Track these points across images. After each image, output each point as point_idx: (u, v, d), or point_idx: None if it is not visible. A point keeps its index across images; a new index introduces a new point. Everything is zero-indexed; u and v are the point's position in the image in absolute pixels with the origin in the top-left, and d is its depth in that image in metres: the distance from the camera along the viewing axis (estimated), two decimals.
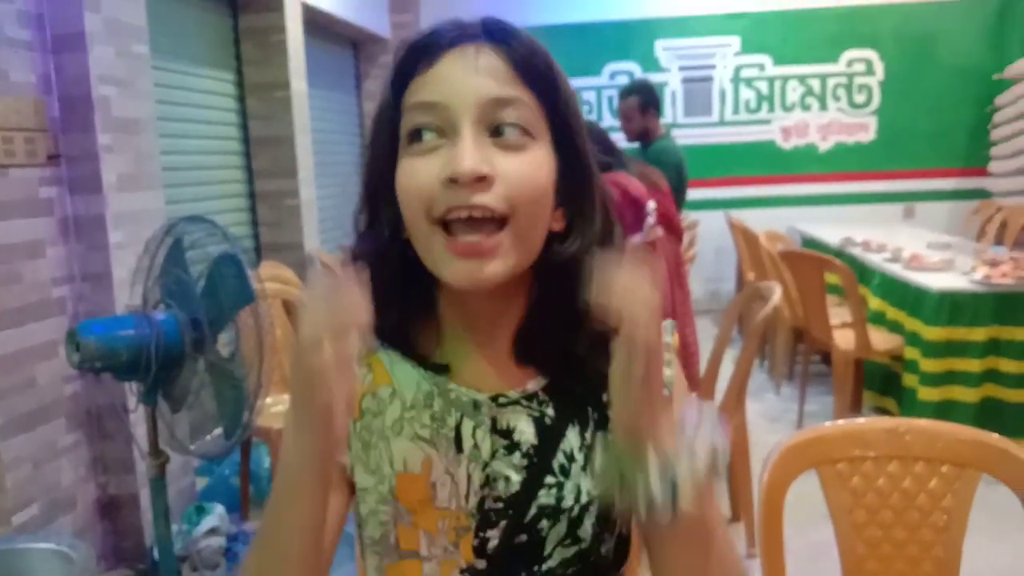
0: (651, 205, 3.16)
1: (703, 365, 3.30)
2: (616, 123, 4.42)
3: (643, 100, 4.11)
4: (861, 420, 1.44)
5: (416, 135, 0.72)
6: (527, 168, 0.72)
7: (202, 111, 4.01)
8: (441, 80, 0.72)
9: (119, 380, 2.06)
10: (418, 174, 0.71)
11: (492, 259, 0.71)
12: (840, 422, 1.42)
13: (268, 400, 2.97)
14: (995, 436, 1.34)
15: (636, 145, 4.23)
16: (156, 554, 2.24)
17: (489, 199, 0.69)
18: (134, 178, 2.76)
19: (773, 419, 4.15)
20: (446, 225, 0.71)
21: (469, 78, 0.71)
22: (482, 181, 0.69)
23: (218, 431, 2.06)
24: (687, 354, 3.22)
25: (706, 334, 4.03)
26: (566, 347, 0.80)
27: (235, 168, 4.40)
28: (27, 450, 2.40)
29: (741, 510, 3.01)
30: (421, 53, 0.74)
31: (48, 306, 2.50)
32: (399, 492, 0.79)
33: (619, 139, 3.80)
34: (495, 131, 0.71)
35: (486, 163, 0.69)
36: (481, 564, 0.79)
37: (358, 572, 0.87)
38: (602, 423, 0.82)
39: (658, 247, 3.21)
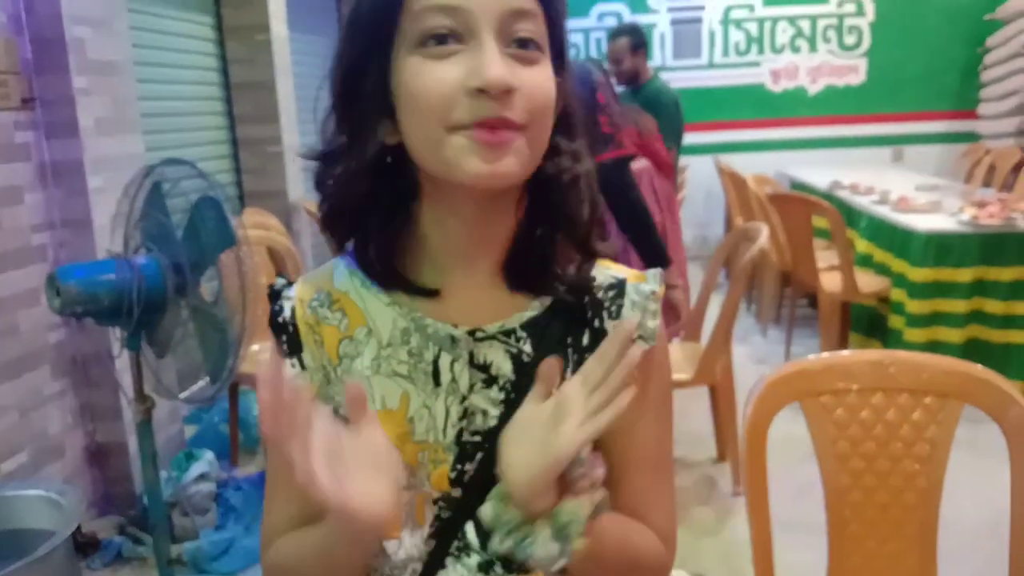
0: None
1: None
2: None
3: (633, 41, 4.09)
4: (846, 353, 1.44)
5: (426, 39, 0.69)
6: (541, 81, 0.71)
7: (180, 55, 3.93)
8: None
9: (101, 325, 2.05)
10: (437, 79, 0.69)
11: (510, 154, 0.69)
12: (825, 355, 1.42)
13: (255, 347, 2.97)
14: (979, 367, 1.35)
15: (626, 89, 4.19)
16: (146, 500, 2.25)
17: (513, 113, 0.68)
18: (112, 122, 2.71)
19: (759, 361, 4.19)
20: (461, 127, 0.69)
21: None
22: (508, 94, 0.68)
23: (205, 380, 2.05)
24: (676, 289, 3.22)
25: (694, 279, 4.03)
26: (552, 269, 0.79)
27: (216, 114, 4.33)
28: (12, 398, 2.40)
29: (727, 451, 3.05)
30: None
31: (28, 253, 2.47)
32: None
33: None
34: (512, 42, 0.70)
35: (512, 76, 0.68)
36: (456, 493, 0.79)
37: None
38: (580, 365, 0.80)
39: (643, 178, 3.18)
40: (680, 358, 2.97)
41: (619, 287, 0.83)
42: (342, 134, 0.77)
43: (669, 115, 4.03)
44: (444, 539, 0.80)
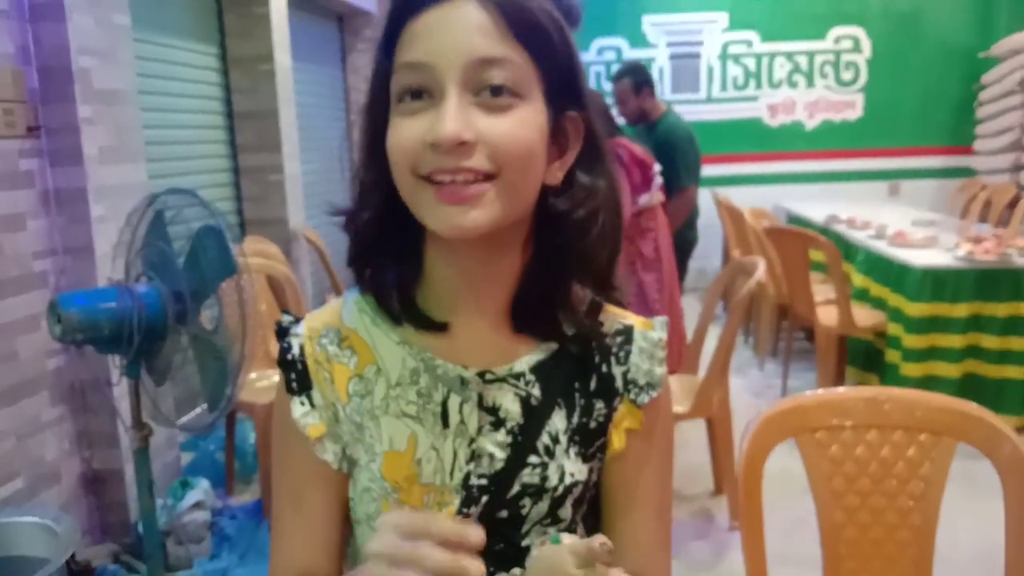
0: (657, 167, 3.19)
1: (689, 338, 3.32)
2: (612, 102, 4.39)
3: (635, 81, 4.10)
4: (840, 389, 1.45)
5: (403, 96, 0.72)
6: (512, 129, 0.70)
7: (185, 84, 3.97)
8: (427, 38, 0.70)
9: (101, 353, 2.05)
10: (404, 135, 0.71)
11: (475, 207, 0.70)
12: (820, 391, 1.43)
13: (253, 375, 2.98)
14: (972, 404, 1.36)
15: (640, 126, 4.20)
16: (141, 528, 2.24)
17: (472, 162, 0.69)
18: (116, 151, 2.73)
19: (756, 394, 4.19)
20: (431, 180, 0.71)
21: (455, 37, 0.70)
22: (463, 146, 0.68)
23: (203, 406, 2.05)
24: (674, 317, 3.27)
25: (692, 311, 4.05)
26: (560, 314, 0.80)
27: (218, 142, 4.36)
28: (10, 424, 2.39)
29: (724, 483, 3.05)
30: (407, 8, 0.72)
31: (30, 279, 2.48)
32: (385, 470, 0.78)
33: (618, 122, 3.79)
34: (483, 91, 0.70)
35: (469, 128, 0.68)
36: None
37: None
38: (588, 410, 0.82)
39: (659, 212, 3.24)
40: (677, 390, 2.98)
41: (627, 333, 0.84)
42: (359, 185, 0.80)
43: (684, 150, 4.03)
44: None
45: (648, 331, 0.84)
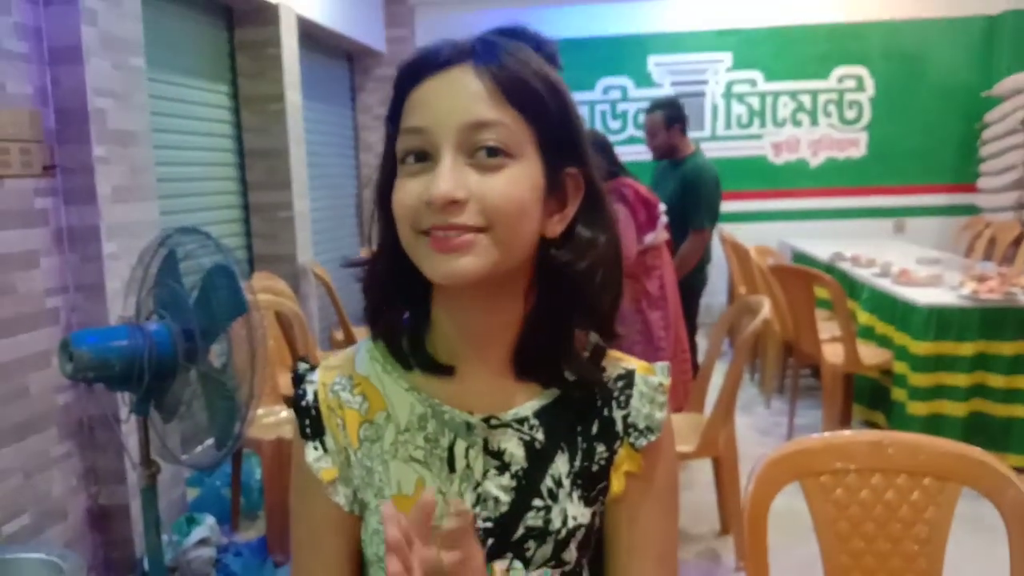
0: (663, 206, 3.23)
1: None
2: (637, 133, 4.38)
3: (667, 116, 4.07)
4: (845, 433, 1.46)
5: (406, 158, 0.77)
6: (503, 188, 0.74)
7: (197, 123, 4.03)
8: (426, 105, 0.76)
9: (112, 390, 2.07)
10: (406, 193, 0.76)
11: (467, 254, 0.73)
12: (824, 435, 1.44)
13: (260, 411, 2.98)
14: (976, 449, 1.37)
15: (665, 161, 4.21)
16: (146, 565, 2.24)
17: (465, 218, 0.73)
18: (129, 189, 2.78)
19: (763, 432, 4.18)
20: (428, 232, 0.75)
21: (450, 103, 0.75)
22: (455, 204, 0.73)
23: (209, 442, 2.07)
24: (680, 355, 3.29)
25: (699, 349, 4.07)
26: (562, 362, 0.82)
27: (229, 180, 4.42)
28: (18, 460, 2.41)
29: (730, 524, 3.03)
30: (410, 77, 0.78)
31: (41, 316, 2.51)
32: None
33: (624, 152, 3.80)
34: (477, 151, 0.74)
35: (461, 187, 0.73)
36: None
37: None
38: (589, 454, 0.84)
39: (664, 250, 3.27)
40: (684, 429, 2.98)
41: (628, 378, 0.86)
42: (377, 239, 0.84)
43: (709, 192, 4.03)
44: None
45: (649, 376, 0.87)
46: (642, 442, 0.85)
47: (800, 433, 4.01)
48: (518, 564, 0.80)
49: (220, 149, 4.32)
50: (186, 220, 3.65)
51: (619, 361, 0.88)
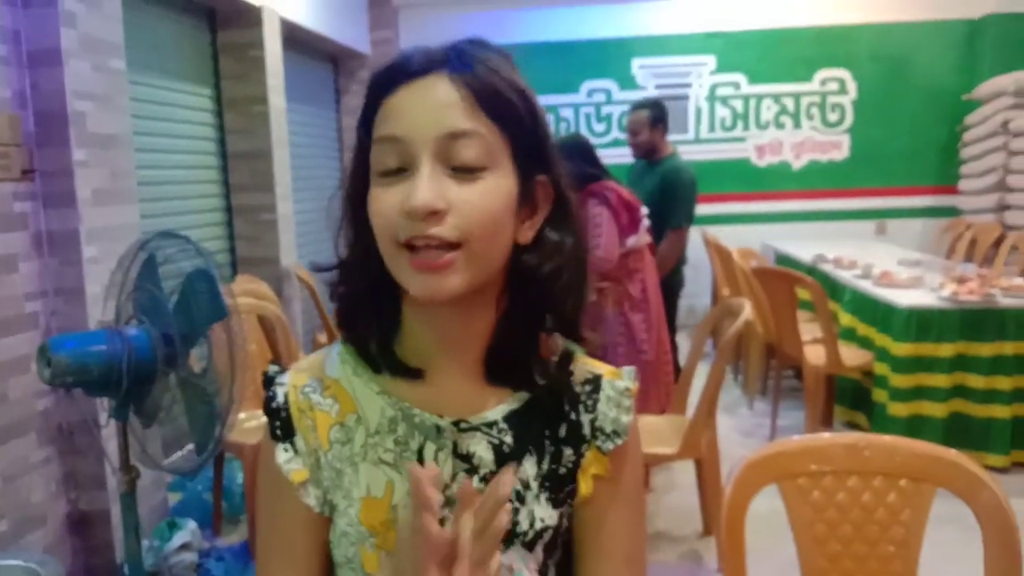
0: (644, 210, 3.24)
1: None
2: (621, 136, 4.43)
3: (653, 115, 4.12)
4: (824, 435, 1.47)
5: (381, 167, 0.77)
6: (479, 198, 0.75)
7: (179, 126, 4.01)
8: (401, 114, 0.76)
9: (91, 396, 2.06)
10: (383, 204, 0.76)
11: (448, 274, 0.74)
12: (800, 437, 1.45)
13: (241, 416, 2.98)
14: (952, 451, 1.38)
15: (644, 162, 4.24)
16: (127, 570, 2.23)
17: (442, 230, 0.73)
18: (109, 193, 2.76)
19: (746, 434, 4.20)
20: (409, 246, 0.75)
21: (427, 113, 0.75)
22: (435, 215, 0.73)
23: (190, 447, 2.06)
24: (662, 357, 3.30)
25: (682, 350, 4.08)
26: (532, 365, 0.83)
27: (212, 182, 4.40)
28: None
29: (713, 525, 3.04)
30: (383, 85, 0.78)
31: (21, 321, 2.49)
32: (363, 516, 0.81)
33: (607, 155, 3.82)
34: (452, 162, 0.75)
35: (440, 198, 0.73)
36: None
37: None
38: (557, 457, 0.85)
39: (646, 253, 3.29)
40: (666, 431, 2.99)
41: (595, 382, 0.88)
42: (346, 247, 0.84)
43: (686, 193, 4.07)
44: None
45: (616, 380, 0.88)
46: (609, 446, 0.86)
47: (783, 434, 4.04)
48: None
49: (203, 152, 4.30)
50: (168, 223, 3.63)
51: (587, 366, 0.89)
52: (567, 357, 0.87)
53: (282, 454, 0.84)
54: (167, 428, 2.10)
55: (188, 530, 2.81)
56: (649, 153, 4.20)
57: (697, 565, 2.93)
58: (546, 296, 0.81)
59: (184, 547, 2.75)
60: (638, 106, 4.22)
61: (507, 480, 0.70)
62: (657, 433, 2.99)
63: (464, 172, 0.75)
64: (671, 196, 3.95)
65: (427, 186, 0.73)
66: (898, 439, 1.43)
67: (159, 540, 2.76)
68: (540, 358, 0.84)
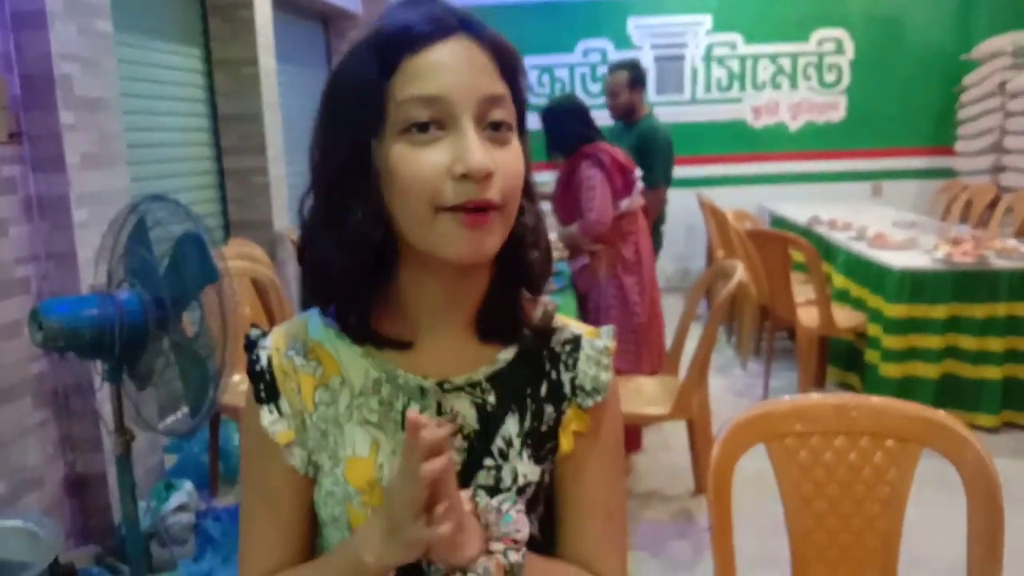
0: (638, 172, 3.24)
1: (669, 339, 3.35)
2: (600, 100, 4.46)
3: (632, 77, 4.16)
4: (812, 396, 1.48)
5: (417, 126, 0.74)
6: (513, 161, 0.77)
7: (168, 88, 3.97)
8: (439, 74, 0.74)
9: (83, 359, 2.06)
10: (423, 165, 0.74)
11: (491, 234, 0.76)
12: (789, 398, 1.46)
13: (236, 378, 2.98)
14: (939, 412, 1.39)
15: (622, 123, 4.25)
16: (124, 531, 2.25)
17: (492, 193, 0.74)
18: (98, 157, 2.74)
19: (739, 394, 4.23)
20: (452, 208, 0.74)
21: (467, 75, 0.75)
22: (488, 176, 0.73)
23: (184, 409, 2.07)
24: (655, 319, 3.32)
25: (676, 311, 4.09)
26: (520, 322, 0.86)
27: (203, 145, 4.36)
28: None
29: (704, 484, 3.07)
30: (403, 44, 0.75)
31: (12, 285, 2.48)
32: (349, 475, 0.82)
33: (603, 116, 3.83)
34: (487, 126, 0.75)
35: (493, 160, 0.74)
36: None
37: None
38: (539, 415, 0.86)
39: (639, 216, 3.28)
40: (658, 392, 3.01)
41: (575, 342, 0.89)
42: (324, 211, 0.81)
43: (663, 152, 4.12)
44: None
45: (595, 339, 0.90)
46: (588, 403, 0.88)
47: (775, 394, 4.08)
48: (482, 492, 0.82)
49: (193, 114, 4.26)
50: (159, 186, 3.60)
51: (568, 326, 0.91)
52: (549, 315, 0.88)
53: (267, 416, 0.84)
54: (161, 391, 2.11)
55: (185, 491, 2.83)
56: (627, 114, 4.24)
57: (688, 523, 2.97)
58: (527, 261, 0.83)
59: (181, 508, 2.77)
60: (616, 67, 4.26)
61: (434, 429, 0.69)
62: (649, 394, 3.02)
63: (497, 136, 0.76)
64: (648, 156, 3.97)
65: (480, 147, 0.73)
66: (886, 400, 1.45)
67: (156, 501, 2.79)
68: (523, 313, 0.86)
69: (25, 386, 2.54)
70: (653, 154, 4.02)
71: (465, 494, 0.81)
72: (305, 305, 0.86)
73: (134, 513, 2.13)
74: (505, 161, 0.76)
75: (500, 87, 0.76)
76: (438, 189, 0.73)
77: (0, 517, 2.18)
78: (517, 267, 0.83)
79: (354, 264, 0.79)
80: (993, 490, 1.29)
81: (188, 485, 2.89)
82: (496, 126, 0.76)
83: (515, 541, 0.77)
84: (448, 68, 0.74)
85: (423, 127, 0.74)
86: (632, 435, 3.38)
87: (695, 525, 2.94)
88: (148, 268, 1.99)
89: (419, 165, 0.74)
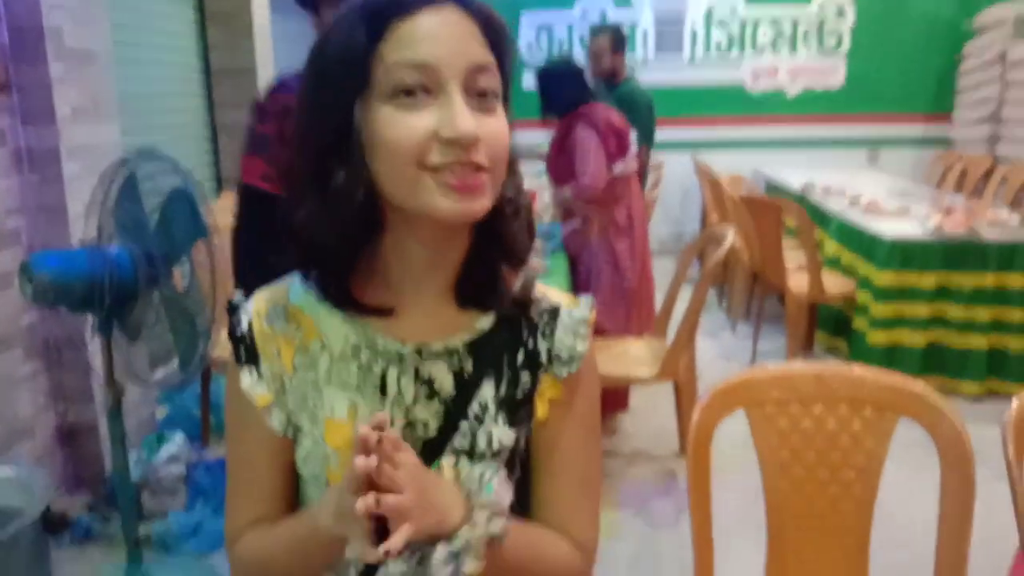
0: (634, 135, 3.24)
1: (659, 302, 3.37)
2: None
3: (614, 40, 4.19)
4: (795, 364, 1.50)
5: (405, 91, 0.75)
6: (499, 129, 0.78)
7: (161, 40, 3.93)
8: (428, 40, 0.75)
9: (73, 313, 2.07)
10: (405, 127, 0.75)
11: (480, 195, 0.77)
12: (771, 366, 1.48)
13: (225, 333, 3.01)
14: (917, 383, 1.41)
15: (603, 86, 4.26)
16: (115, 482, 2.29)
17: (479, 157, 0.76)
18: (89, 110, 2.72)
19: (727, 357, 4.26)
20: (440, 169, 0.75)
21: (455, 42, 0.76)
22: (476, 142, 0.75)
23: (175, 363, 2.09)
24: (646, 283, 3.34)
25: (669, 274, 4.11)
26: (500, 288, 0.87)
27: (195, 97, 4.33)
28: None
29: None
30: (395, 7, 0.76)
31: (2, 237, 2.48)
32: (327, 436, 0.84)
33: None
34: (474, 94, 0.77)
35: (480, 126, 0.75)
36: None
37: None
38: (515, 382, 0.88)
39: (633, 180, 3.28)
40: (646, 355, 3.04)
41: (554, 312, 0.91)
42: (307, 173, 0.80)
43: (643, 115, 4.16)
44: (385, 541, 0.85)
45: (574, 310, 0.91)
46: (564, 372, 0.89)
47: (763, 358, 4.12)
48: (464, 461, 0.84)
49: (185, 67, 4.22)
50: (151, 140, 3.57)
51: (548, 296, 0.92)
52: (529, 285, 0.90)
53: (247, 379, 0.86)
54: (152, 344, 2.13)
55: (176, 442, 2.87)
56: (609, 77, 4.26)
57: (672, 482, 3.02)
58: (508, 233, 0.84)
59: (172, 459, 2.81)
60: (599, 31, 4.31)
61: (364, 431, 0.71)
62: (637, 356, 3.05)
63: (483, 104, 0.77)
64: (629, 118, 3.98)
65: (468, 114, 0.75)
66: (866, 369, 1.47)
67: (147, 452, 2.82)
68: (503, 282, 0.87)
69: (16, 337, 2.56)
70: (633, 116, 4.03)
71: (447, 463, 0.83)
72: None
73: (124, 463, 2.16)
74: (491, 129, 0.77)
75: (488, 57, 0.77)
76: (424, 152, 0.74)
77: None
78: (497, 238, 0.84)
79: (336, 225, 0.79)
80: (966, 459, 1.32)
81: (179, 437, 2.92)
82: (483, 95, 0.77)
83: (497, 510, 0.79)
84: (438, 36, 0.75)
85: (410, 92, 0.75)
86: (619, 396, 3.42)
87: (678, 485, 2.99)
88: (138, 223, 2.00)
89: (406, 127, 0.75)
